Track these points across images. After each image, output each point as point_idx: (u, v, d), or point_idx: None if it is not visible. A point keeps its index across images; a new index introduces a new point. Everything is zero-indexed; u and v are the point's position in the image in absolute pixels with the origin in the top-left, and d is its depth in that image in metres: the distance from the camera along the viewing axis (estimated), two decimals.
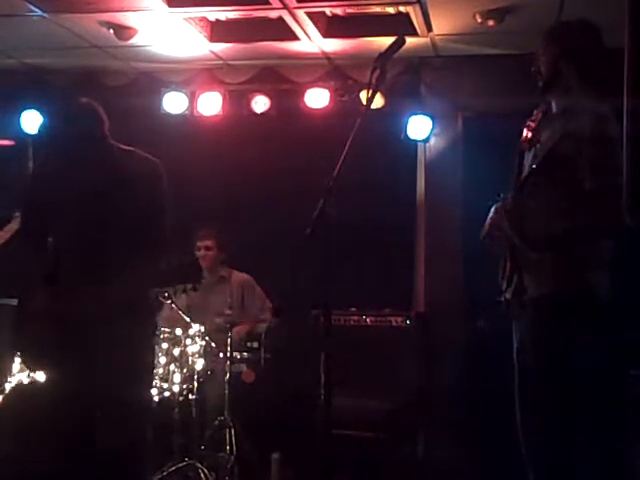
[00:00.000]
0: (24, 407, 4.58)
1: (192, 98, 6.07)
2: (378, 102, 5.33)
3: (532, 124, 3.11)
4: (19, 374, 4.95)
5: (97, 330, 3.13)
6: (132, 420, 3.32)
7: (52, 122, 3.39)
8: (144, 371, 3.45)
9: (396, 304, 5.33)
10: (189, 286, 3.92)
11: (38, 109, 6.20)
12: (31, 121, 6.22)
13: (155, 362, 3.99)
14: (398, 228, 5.77)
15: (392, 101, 5.40)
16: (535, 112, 3.14)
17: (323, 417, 2.49)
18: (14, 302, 5.32)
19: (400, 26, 4.97)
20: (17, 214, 4.44)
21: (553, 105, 3.14)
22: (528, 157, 3.11)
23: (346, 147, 2.51)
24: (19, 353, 3.68)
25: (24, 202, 3.59)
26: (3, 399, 4.76)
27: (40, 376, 4.64)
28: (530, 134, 3.10)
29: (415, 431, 5.06)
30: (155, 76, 6.21)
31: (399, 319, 5.18)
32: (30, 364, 3.59)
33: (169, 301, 4.81)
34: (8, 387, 4.89)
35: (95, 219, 3.22)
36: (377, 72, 2.71)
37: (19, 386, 4.78)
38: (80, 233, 3.26)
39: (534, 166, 3.04)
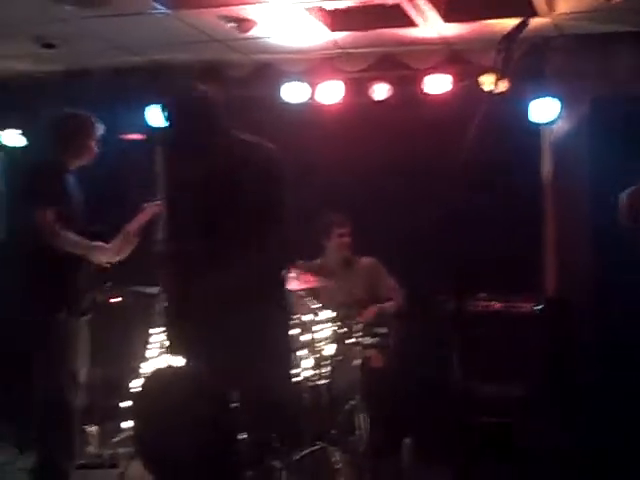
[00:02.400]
0: (163, 391, 4.77)
1: (312, 87, 6.15)
2: (502, 86, 5.26)
3: None
4: (154, 359, 5.18)
5: (232, 315, 3.24)
6: (274, 403, 3.42)
7: (173, 116, 3.48)
8: (284, 354, 3.56)
9: (525, 290, 5.28)
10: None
11: (164, 104, 6.40)
12: (156, 116, 6.44)
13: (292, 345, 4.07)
14: (525, 213, 5.70)
15: (515, 84, 5.32)
16: None
17: (457, 403, 2.49)
18: (147, 290, 5.61)
19: (519, 7, 4.90)
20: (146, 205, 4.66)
21: None
22: None
23: (472, 132, 2.51)
24: (167, 339, 3.82)
25: (165, 192, 3.74)
26: (142, 383, 4.97)
27: (176, 361, 4.86)
28: None
29: (546, 420, 5.00)
30: (275, 67, 6.31)
31: (528, 305, 5.13)
32: (173, 350, 3.73)
33: (297, 288, 4.89)
34: (143, 372, 5.12)
35: (218, 210, 3.33)
36: (502, 55, 2.68)
37: (156, 371, 4.99)
38: (207, 223, 3.36)
39: None
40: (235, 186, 3.29)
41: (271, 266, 3.45)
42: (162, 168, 5.71)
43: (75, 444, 4.37)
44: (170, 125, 3.45)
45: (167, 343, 4.31)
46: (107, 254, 4.46)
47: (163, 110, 3.47)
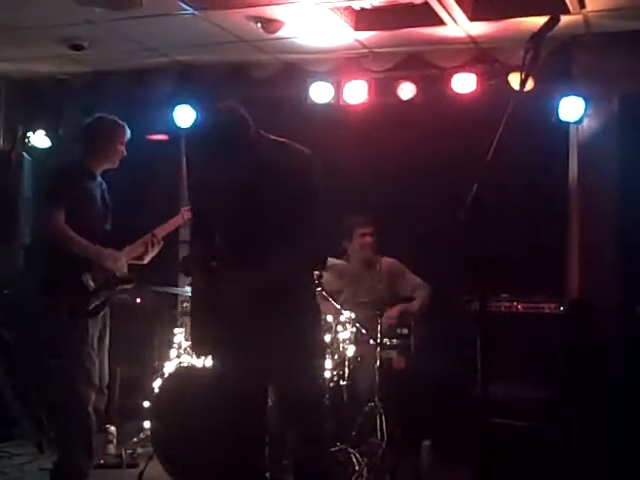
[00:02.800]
0: (181, 392, 4.77)
1: (338, 87, 6.12)
2: (529, 84, 5.19)
3: None
4: (177, 359, 5.18)
5: (260, 316, 3.20)
6: (311, 404, 3.38)
7: (200, 122, 3.48)
8: (318, 352, 3.52)
9: (548, 290, 5.19)
10: None
11: (190, 104, 6.44)
12: (184, 116, 6.47)
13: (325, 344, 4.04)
14: (550, 212, 5.62)
15: (542, 82, 5.26)
16: None
17: (480, 405, 2.43)
18: (169, 290, 5.62)
19: (549, 4, 4.83)
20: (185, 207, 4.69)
21: None
22: None
23: (499, 131, 2.46)
24: (190, 340, 3.80)
25: (190, 199, 3.73)
26: (163, 382, 4.97)
27: (199, 361, 4.85)
28: None
29: (569, 422, 4.91)
30: (301, 67, 6.29)
31: (552, 306, 5.03)
32: (198, 350, 3.71)
33: (319, 288, 4.86)
34: (164, 372, 5.12)
35: (250, 210, 3.28)
36: (530, 53, 2.62)
37: (175, 372, 4.99)
38: (237, 225, 3.34)
39: None
40: (267, 187, 3.26)
41: (304, 265, 3.43)
42: (188, 169, 5.76)
43: (92, 444, 4.37)
44: (195, 130, 3.43)
45: (190, 344, 4.28)
46: (119, 260, 4.42)
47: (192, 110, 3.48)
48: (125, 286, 4.52)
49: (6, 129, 6.63)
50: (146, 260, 4.63)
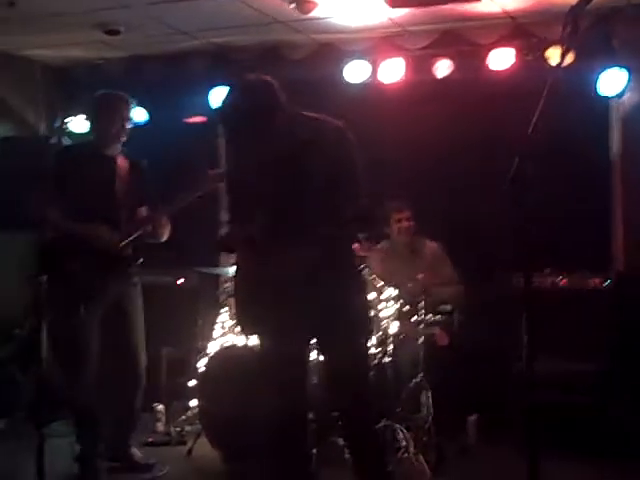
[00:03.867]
0: (227, 370, 4.83)
1: (373, 66, 6.11)
2: (568, 58, 5.14)
3: None
4: (221, 339, 5.24)
5: (305, 290, 3.22)
6: (358, 379, 3.44)
7: (229, 98, 3.48)
8: (361, 325, 3.52)
9: (593, 265, 5.17)
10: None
11: (225, 86, 6.47)
12: (219, 98, 6.50)
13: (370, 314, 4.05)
14: (592, 187, 5.58)
15: (581, 56, 5.21)
16: None
17: (525, 380, 2.45)
18: (212, 270, 5.68)
19: None
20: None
21: None
22: None
23: (539, 106, 2.45)
24: (236, 318, 3.83)
25: (227, 171, 3.74)
26: (208, 362, 5.04)
27: (241, 340, 4.91)
28: None
29: (616, 396, 4.90)
30: (336, 46, 6.27)
31: (597, 280, 5.02)
32: (245, 328, 3.75)
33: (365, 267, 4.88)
34: (209, 351, 5.19)
35: (289, 185, 3.29)
36: (569, 27, 2.59)
37: (221, 351, 5.05)
38: (275, 200, 3.34)
39: None
40: (305, 161, 3.26)
41: (346, 240, 3.44)
42: (225, 149, 5.77)
43: (98, 441, 4.55)
44: (229, 106, 3.44)
45: (236, 323, 4.31)
46: (108, 238, 4.43)
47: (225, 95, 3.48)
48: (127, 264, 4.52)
49: (45, 114, 6.70)
50: (161, 239, 4.60)
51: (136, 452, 4.74)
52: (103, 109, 4.61)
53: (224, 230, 4.02)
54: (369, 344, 3.72)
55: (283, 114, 3.33)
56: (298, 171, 3.28)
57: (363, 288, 3.63)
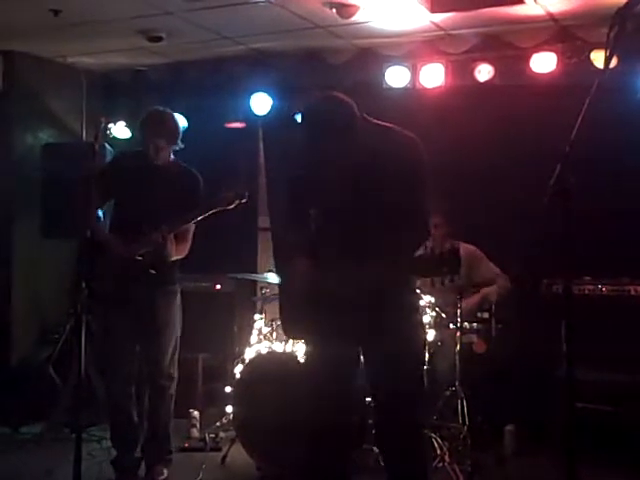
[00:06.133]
0: (262, 377, 4.81)
1: (414, 71, 6.07)
2: (613, 62, 5.04)
3: None
4: (257, 345, 5.23)
5: (354, 313, 3.15)
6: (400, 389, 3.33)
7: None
8: (416, 340, 3.43)
9: (634, 272, 5.05)
10: (447, 277, 3.78)
11: (266, 92, 6.48)
12: (260, 103, 6.51)
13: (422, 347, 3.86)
14: (634, 193, 5.45)
15: (626, 59, 5.11)
16: None
17: (564, 389, 2.38)
18: (253, 276, 5.68)
19: None
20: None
21: None
22: None
23: (583, 110, 2.39)
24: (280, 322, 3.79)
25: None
26: (243, 368, 5.03)
27: (279, 347, 4.89)
28: None
29: None
30: (376, 51, 6.25)
31: (638, 288, 4.91)
32: (290, 334, 3.72)
33: None
34: (245, 357, 5.18)
35: (353, 197, 3.23)
36: (615, 29, 2.53)
37: (258, 356, 5.03)
38: (338, 212, 3.27)
39: None
40: (374, 174, 3.18)
41: (408, 258, 3.28)
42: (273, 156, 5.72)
43: (133, 446, 4.57)
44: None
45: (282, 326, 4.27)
46: (125, 251, 4.41)
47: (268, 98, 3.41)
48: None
49: (88, 120, 6.78)
50: (169, 258, 4.44)
51: (160, 470, 4.65)
52: (151, 126, 4.59)
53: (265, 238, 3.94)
54: (420, 367, 3.56)
55: (358, 124, 3.26)
56: (367, 183, 3.20)
57: (415, 313, 3.47)
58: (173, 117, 4.65)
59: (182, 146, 4.64)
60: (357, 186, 3.22)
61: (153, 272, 4.41)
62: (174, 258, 4.48)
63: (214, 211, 4.38)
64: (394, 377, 3.24)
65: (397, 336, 3.22)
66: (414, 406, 3.33)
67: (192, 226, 4.55)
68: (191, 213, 4.40)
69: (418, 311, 3.57)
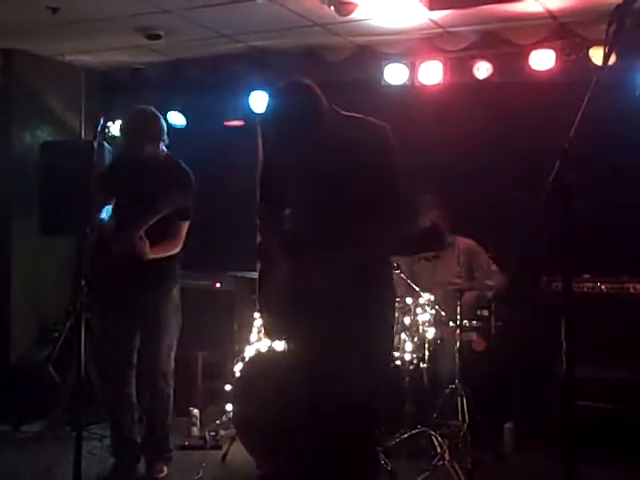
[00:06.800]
0: (261, 375, 4.81)
1: (412, 68, 6.06)
2: (612, 59, 5.04)
3: None
4: (257, 343, 5.23)
5: (333, 301, 3.12)
6: (369, 390, 3.34)
7: (272, 102, 3.40)
8: (381, 342, 3.37)
9: (634, 270, 5.06)
10: (430, 254, 3.74)
11: (265, 90, 6.48)
12: (259, 102, 6.51)
13: (394, 332, 3.92)
14: (633, 190, 5.44)
15: (624, 56, 5.10)
16: None
17: (564, 387, 2.38)
18: (253, 275, 5.67)
19: None
20: None
21: None
22: None
23: (582, 107, 2.39)
24: (261, 321, 3.79)
25: (260, 178, 3.68)
26: (243, 366, 5.03)
27: (278, 345, 4.89)
28: None
29: None
30: (374, 49, 6.24)
31: (638, 286, 4.93)
32: (270, 333, 3.72)
33: (397, 270, 4.84)
34: (245, 356, 5.18)
35: (326, 189, 3.19)
36: (614, 26, 2.52)
37: (258, 355, 5.04)
38: (312, 203, 3.25)
39: None
40: (344, 166, 3.14)
41: (385, 249, 3.32)
42: (263, 152, 5.74)
43: (132, 444, 4.58)
44: (273, 110, 3.36)
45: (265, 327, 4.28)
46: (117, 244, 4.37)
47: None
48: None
49: (87, 118, 6.78)
50: (144, 257, 4.32)
51: (160, 468, 4.65)
52: (134, 125, 4.57)
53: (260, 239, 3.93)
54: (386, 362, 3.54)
55: (325, 116, 3.25)
56: (338, 176, 3.17)
57: (391, 304, 3.49)
58: (154, 116, 4.58)
59: (167, 141, 4.60)
60: (328, 179, 3.16)
61: (140, 272, 4.38)
62: (154, 256, 4.37)
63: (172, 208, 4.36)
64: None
65: (362, 334, 3.16)
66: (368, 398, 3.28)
67: (184, 223, 4.53)
68: (158, 207, 4.35)
69: (393, 307, 3.52)
